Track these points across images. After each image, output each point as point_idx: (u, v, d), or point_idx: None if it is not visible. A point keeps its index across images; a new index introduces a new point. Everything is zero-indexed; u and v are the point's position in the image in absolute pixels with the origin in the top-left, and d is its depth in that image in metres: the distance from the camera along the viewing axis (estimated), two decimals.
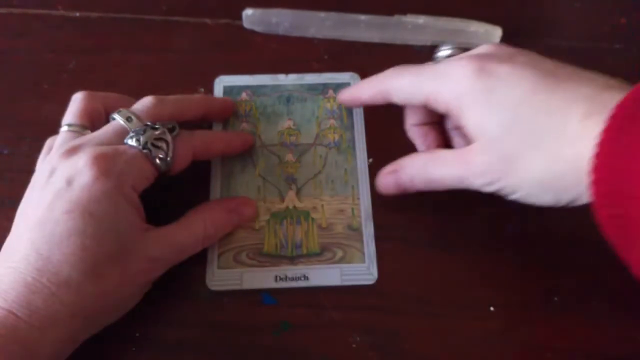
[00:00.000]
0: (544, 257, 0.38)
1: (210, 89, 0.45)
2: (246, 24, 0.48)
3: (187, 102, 0.40)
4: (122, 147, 0.35)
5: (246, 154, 0.42)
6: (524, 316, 0.37)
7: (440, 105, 0.35)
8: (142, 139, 0.35)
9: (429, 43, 0.48)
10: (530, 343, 0.36)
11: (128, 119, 0.36)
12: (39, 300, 0.30)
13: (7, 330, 0.29)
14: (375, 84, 0.39)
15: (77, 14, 0.49)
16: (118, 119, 0.36)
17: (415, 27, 0.47)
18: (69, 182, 0.33)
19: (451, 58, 0.37)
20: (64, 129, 0.37)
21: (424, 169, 0.36)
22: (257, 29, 0.48)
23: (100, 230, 0.32)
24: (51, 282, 0.31)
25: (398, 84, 0.37)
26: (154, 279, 0.36)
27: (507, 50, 0.35)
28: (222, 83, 0.45)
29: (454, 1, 0.51)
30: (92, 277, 0.32)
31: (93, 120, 0.38)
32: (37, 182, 0.34)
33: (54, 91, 0.45)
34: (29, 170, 0.38)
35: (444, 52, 0.38)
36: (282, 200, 0.41)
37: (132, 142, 0.35)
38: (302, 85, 0.45)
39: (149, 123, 0.36)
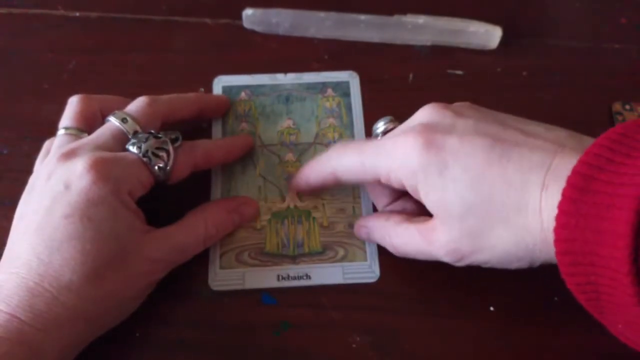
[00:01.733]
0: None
1: (210, 89, 0.45)
2: (246, 24, 0.48)
3: (181, 101, 0.40)
4: (121, 153, 0.35)
5: (246, 154, 0.42)
6: (524, 316, 0.37)
7: (394, 183, 0.34)
8: (143, 146, 0.35)
9: (429, 43, 0.48)
10: (530, 343, 0.36)
11: (123, 120, 0.36)
12: (41, 304, 0.30)
13: (12, 333, 0.29)
14: (322, 167, 0.38)
15: (77, 14, 0.49)
16: (113, 121, 0.36)
17: (415, 27, 0.47)
18: (67, 186, 0.33)
19: (393, 132, 0.36)
20: (60, 132, 0.37)
21: (390, 239, 0.36)
22: (257, 29, 0.48)
23: (99, 233, 0.32)
24: (53, 287, 0.31)
25: (344, 165, 0.36)
26: (157, 280, 0.36)
27: (446, 114, 0.34)
28: (220, 83, 0.45)
29: (454, 1, 0.51)
30: (93, 280, 0.32)
31: (90, 123, 0.38)
32: (35, 185, 0.34)
33: (54, 91, 0.45)
34: (29, 170, 0.38)
35: (380, 127, 0.37)
36: (283, 199, 0.41)
37: (133, 149, 0.35)
38: (300, 85, 0.45)
39: (152, 131, 0.36)
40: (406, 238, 0.35)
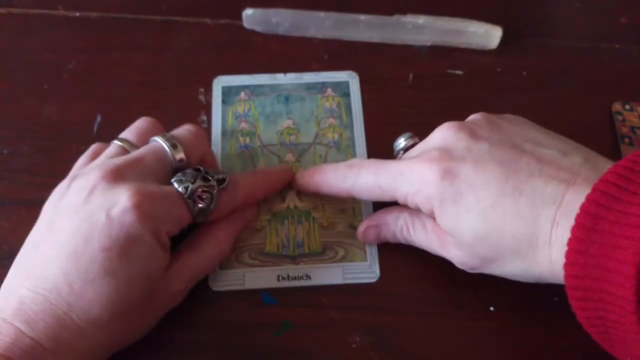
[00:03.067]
0: None
1: (210, 89, 0.45)
2: (246, 24, 0.48)
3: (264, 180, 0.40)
4: (165, 188, 0.34)
5: (246, 154, 0.42)
6: (524, 316, 0.37)
7: (411, 205, 0.35)
8: (190, 187, 0.34)
9: (429, 43, 0.48)
10: (530, 343, 0.36)
11: (173, 146, 0.35)
12: (67, 335, 0.30)
13: None
14: (337, 184, 0.38)
15: (77, 14, 0.49)
16: (161, 143, 0.35)
17: (415, 27, 0.47)
18: (109, 217, 0.31)
19: (410, 153, 0.36)
20: (115, 142, 0.37)
21: (407, 232, 0.37)
22: (257, 29, 0.48)
23: (134, 274, 0.32)
24: (81, 320, 0.30)
25: (360, 186, 0.37)
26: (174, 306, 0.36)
27: (462, 137, 0.34)
28: (220, 83, 0.45)
29: (454, 1, 0.51)
30: (121, 319, 0.32)
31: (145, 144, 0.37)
32: (73, 199, 0.33)
33: (54, 91, 0.45)
34: (29, 171, 0.38)
35: (401, 144, 0.37)
36: (283, 200, 0.41)
37: (179, 187, 0.34)
38: (300, 85, 0.45)
39: (201, 169, 0.35)
40: (422, 230, 0.37)
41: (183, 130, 0.37)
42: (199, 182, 0.34)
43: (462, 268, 0.36)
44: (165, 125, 0.39)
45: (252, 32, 0.48)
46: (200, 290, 0.37)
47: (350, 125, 0.44)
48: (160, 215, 0.33)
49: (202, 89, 0.45)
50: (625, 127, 0.44)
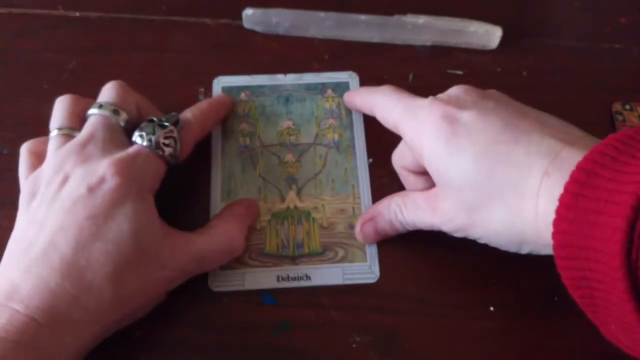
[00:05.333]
0: (544, 257, 0.38)
1: (210, 89, 0.45)
2: (246, 24, 0.48)
3: (207, 111, 0.41)
4: (134, 149, 0.35)
5: (246, 154, 0.42)
6: (524, 316, 0.37)
7: (406, 137, 0.36)
8: (153, 139, 0.35)
9: (429, 43, 0.48)
10: (530, 343, 0.36)
11: (114, 112, 0.37)
12: (62, 307, 0.30)
13: (28, 338, 0.29)
14: (367, 95, 0.41)
15: (77, 14, 0.49)
16: (103, 113, 0.36)
17: (415, 27, 0.47)
18: (90, 189, 0.33)
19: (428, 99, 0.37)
20: (54, 133, 0.37)
21: (400, 213, 0.37)
22: (257, 29, 0.48)
23: (122, 236, 0.32)
24: (74, 287, 0.31)
25: (381, 103, 0.39)
26: (171, 288, 0.35)
27: (475, 94, 0.35)
28: (220, 83, 0.45)
29: (454, 1, 0.51)
30: (114, 282, 0.32)
31: (81, 123, 0.38)
32: (47, 189, 0.34)
33: (54, 91, 0.45)
34: None
35: None
36: (283, 200, 0.41)
37: (143, 142, 0.35)
38: (300, 85, 0.45)
39: (155, 119, 0.37)
40: (413, 207, 0.37)
41: (108, 91, 0.38)
42: (158, 131, 0.36)
43: (449, 232, 0.35)
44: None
45: (252, 32, 0.48)
46: (200, 290, 0.37)
47: (350, 126, 0.44)
48: (139, 175, 0.34)
49: (202, 89, 0.45)
50: (625, 127, 0.44)
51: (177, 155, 0.37)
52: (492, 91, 0.36)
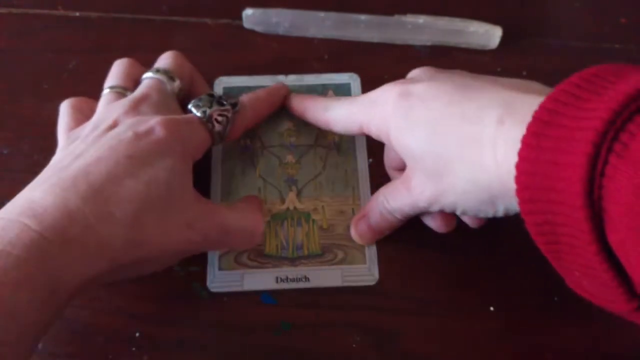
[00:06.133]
0: (544, 257, 0.38)
1: (210, 89, 0.45)
2: (246, 24, 0.48)
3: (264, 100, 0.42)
4: (187, 115, 0.36)
5: (246, 155, 0.42)
6: (524, 316, 0.37)
7: (372, 132, 0.36)
8: (208, 112, 0.36)
9: (429, 43, 0.48)
10: (530, 343, 0.36)
11: (171, 78, 0.38)
12: (75, 230, 0.29)
13: (34, 254, 0.28)
14: (318, 113, 0.40)
15: (77, 14, 0.49)
16: (159, 77, 0.38)
17: (415, 27, 0.47)
18: (137, 134, 0.33)
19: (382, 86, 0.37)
20: (106, 91, 0.38)
21: (387, 202, 0.37)
22: (257, 29, 0.48)
23: (156, 181, 0.32)
24: (93, 215, 0.30)
25: (336, 116, 0.38)
26: (186, 254, 0.35)
27: (431, 71, 0.35)
28: (221, 84, 0.45)
29: (454, 1, 0.51)
30: (135, 221, 0.31)
31: (135, 85, 0.38)
32: (93, 131, 0.34)
33: (54, 91, 0.45)
34: (29, 171, 0.37)
35: None
36: (283, 201, 0.41)
37: (197, 112, 0.36)
38: (301, 86, 0.45)
39: (214, 94, 0.37)
40: (394, 193, 0.36)
41: (166, 59, 0.40)
42: (215, 106, 0.37)
43: (426, 207, 0.34)
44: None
45: (252, 32, 0.48)
46: (200, 291, 0.37)
47: None
48: (186, 138, 0.35)
49: None
50: None
51: (225, 135, 0.37)
52: (450, 70, 0.36)
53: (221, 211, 0.36)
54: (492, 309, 0.37)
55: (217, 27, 0.49)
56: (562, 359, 0.36)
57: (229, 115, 0.37)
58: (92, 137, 0.34)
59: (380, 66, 0.47)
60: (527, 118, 0.27)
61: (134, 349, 0.36)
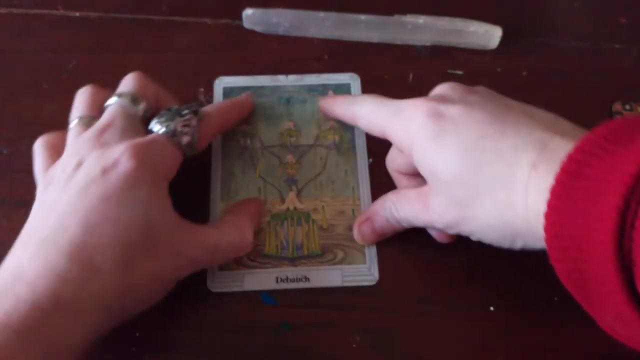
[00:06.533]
0: (544, 257, 0.38)
1: (210, 90, 0.45)
2: (246, 24, 0.48)
3: (228, 112, 0.42)
4: (151, 136, 0.35)
5: (246, 155, 0.42)
6: (524, 316, 0.37)
7: (394, 140, 0.36)
8: (171, 125, 0.35)
9: (429, 43, 0.48)
10: (530, 343, 0.36)
11: (134, 101, 0.37)
12: (67, 291, 0.29)
13: (32, 326, 0.28)
14: (347, 104, 0.41)
15: (77, 14, 0.49)
16: (122, 101, 0.37)
17: (415, 27, 0.47)
18: (105, 171, 0.32)
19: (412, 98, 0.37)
20: (74, 122, 0.37)
21: (395, 210, 0.37)
22: (257, 29, 0.48)
23: (135, 218, 0.32)
24: (81, 271, 0.30)
25: (363, 111, 0.39)
26: (180, 278, 0.35)
27: (461, 90, 0.35)
28: (222, 84, 0.45)
29: (454, 1, 0.51)
30: (123, 267, 0.31)
31: (102, 112, 0.37)
32: (61, 175, 0.33)
33: (54, 91, 0.45)
34: (29, 171, 0.38)
35: None
36: (283, 201, 0.41)
37: (160, 128, 0.35)
38: (302, 86, 0.45)
39: (174, 107, 0.37)
40: (406, 203, 0.36)
41: (128, 82, 0.38)
42: (177, 119, 0.36)
43: (443, 228, 0.35)
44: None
45: (252, 32, 0.48)
46: (200, 291, 0.37)
47: (350, 128, 0.43)
48: (155, 160, 0.34)
49: (202, 89, 0.45)
50: None
51: (195, 145, 0.36)
52: (479, 87, 0.36)
53: (204, 232, 0.35)
54: (492, 309, 0.37)
55: (217, 27, 0.49)
56: (562, 359, 0.36)
57: (194, 124, 0.36)
58: (63, 181, 0.33)
59: (380, 66, 0.47)
60: (559, 166, 0.27)
61: (134, 349, 0.36)
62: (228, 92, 0.45)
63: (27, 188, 0.40)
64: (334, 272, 0.38)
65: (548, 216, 0.27)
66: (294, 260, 0.39)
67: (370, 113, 0.38)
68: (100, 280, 0.30)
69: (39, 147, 0.38)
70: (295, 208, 0.40)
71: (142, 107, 0.37)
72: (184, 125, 0.36)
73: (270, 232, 0.40)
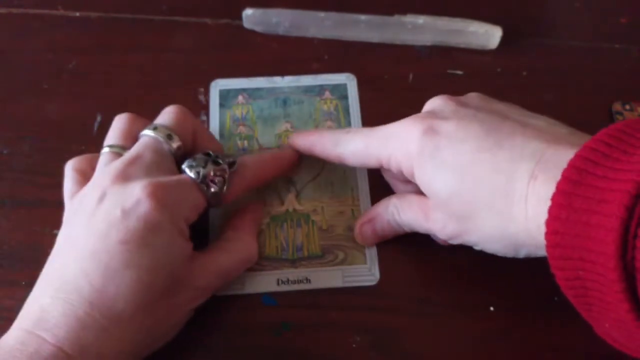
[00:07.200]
0: (544, 257, 0.38)
1: (208, 91, 0.45)
2: (246, 24, 0.48)
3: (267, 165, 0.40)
4: (177, 177, 0.34)
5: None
6: (524, 316, 0.37)
7: (393, 167, 0.35)
8: (202, 172, 0.34)
9: (429, 43, 0.48)
10: (530, 343, 0.36)
11: (168, 137, 0.35)
12: (90, 336, 0.29)
13: None
14: (328, 147, 0.38)
15: (77, 14, 0.49)
16: (155, 136, 0.35)
17: (415, 27, 0.47)
18: (125, 212, 0.31)
19: (402, 120, 0.36)
20: (105, 150, 0.36)
21: (397, 214, 0.37)
22: (257, 29, 0.48)
23: (155, 263, 0.31)
24: (104, 317, 0.30)
25: (350, 151, 0.37)
26: (197, 306, 0.35)
27: (453, 103, 0.35)
28: (218, 87, 0.45)
29: (454, 1, 0.51)
30: (143, 311, 0.31)
31: (134, 142, 0.36)
32: (84, 207, 0.33)
33: (54, 91, 0.46)
34: (29, 171, 0.38)
35: None
36: (282, 203, 0.41)
37: (190, 172, 0.34)
38: (298, 87, 0.45)
39: (211, 153, 0.35)
40: (408, 210, 0.36)
41: (167, 115, 0.37)
42: (210, 166, 0.34)
43: (443, 237, 0.35)
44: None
45: (252, 32, 0.48)
46: None
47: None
48: (176, 202, 0.33)
49: (202, 89, 0.45)
50: None
51: (221, 197, 0.35)
52: (472, 94, 0.36)
53: (216, 258, 0.35)
54: (492, 309, 0.37)
55: (217, 27, 0.49)
56: (562, 359, 0.36)
57: (226, 175, 0.35)
58: (85, 217, 0.32)
59: (380, 66, 0.47)
60: (559, 175, 0.27)
61: None
62: (225, 94, 0.45)
63: (27, 188, 0.40)
64: (335, 272, 0.38)
65: (549, 225, 0.27)
66: (294, 262, 0.39)
67: (360, 149, 0.37)
68: (124, 325, 0.30)
69: (69, 171, 0.37)
70: (294, 209, 0.40)
71: (176, 143, 0.36)
72: (216, 175, 0.35)
73: (270, 234, 0.40)
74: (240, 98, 0.45)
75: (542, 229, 0.28)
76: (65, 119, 0.44)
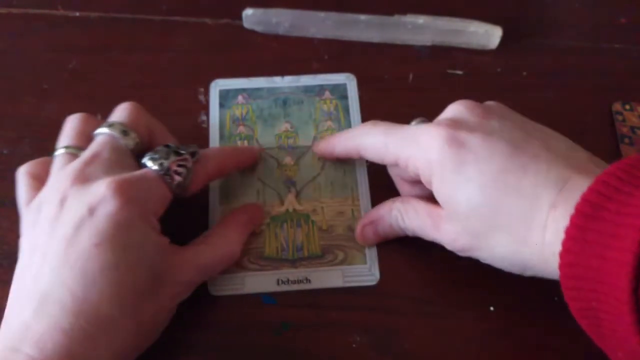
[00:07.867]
0: None
1: (208, 91, 0.45)
2: (246, 24, 0.48)
3: (224, 155, 0.40)
4: (141, 172, 0.34)
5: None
6: (524, 316, 0.37)
7: (410, 169, 0.35)
8: (165, 163, 0.34)
9: (429, 43, 0.48)
10: (530, 343, 0.36)
11: (124, 133, 0.35)
12: (78, 347, 0.29)
13: None
14: (348, 140, 0.39)
15: (77, 14, 0.49)
16: (111, 132, 0.35)
17: (415, 27, 0.47)
18: (91, 211, 0.30)
19: (423, 124, 0.36)
20: (60, 151, 0.35)
21: (401, 219, 0.37)
22: (257, 29, 0.48)
23: (133, 261, 0.31)
24: (90, 324, 0.29)
25: (369, 143, 0.37)
26: (181, 301, 0.35)
27: (477, 113, 0.34)
28: (217, 87, 0.45)
29: (454, 1, 0.51)
30: (131, 311, 0.30)
31: (90, 142, 0.36)
32: (46, 214, 0.32)
33: (54, 91, 0.46)
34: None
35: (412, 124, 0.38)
36: (282, 203, 0.41)
37: (154, 165, 0.34)
38: (298, 87, 0.45)
39: (171, 145, 0.35)
40: (414, 216, 0.36)
41: (121, 112, 0.37)
42: (172, 157, 0.34)
43: (451, 249, 0.35)
44: (166, 125, 0.39)
45: (252, 32, 0.48)
46: (200, 293, 0.37)
47: (348, 128, 0.43)
48: (143, 197, 0.32)
49: (202, 89, 0.45)
50: (625, 127, 0.44)
51: (186, 187, 0.35)
52: (493, 104, 0.36)
53: (196, 253, 0.35)
54: (492, 309, 0.37)
55: (217, 27, 0.49)
56: (562, 358, 0.36)
57: (189, 165, 0.35)
58: (49, 222, 0.31)
59: (380, 66, 0.47)
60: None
61: None
62: (224, 94, 0.45)
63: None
64: (335, 272, 0.38)
65: (563, 257, 0.28)
66: (294, 262, 0.39)
67: (380, 145, 0.36)
68: (112, 329, 0.30)
69: (22, 176, 0.36)
70: (294, 210, 0.40)
71: (132, 138, 0.35)
72: (179, 165, 0.34)
73: (270, 234, 0.40)
74: (240, 98, 0.45)
75: (557, 257, 0.28)
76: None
